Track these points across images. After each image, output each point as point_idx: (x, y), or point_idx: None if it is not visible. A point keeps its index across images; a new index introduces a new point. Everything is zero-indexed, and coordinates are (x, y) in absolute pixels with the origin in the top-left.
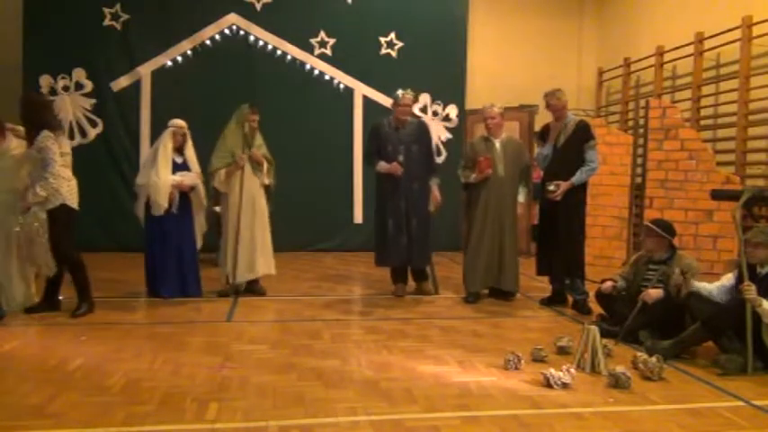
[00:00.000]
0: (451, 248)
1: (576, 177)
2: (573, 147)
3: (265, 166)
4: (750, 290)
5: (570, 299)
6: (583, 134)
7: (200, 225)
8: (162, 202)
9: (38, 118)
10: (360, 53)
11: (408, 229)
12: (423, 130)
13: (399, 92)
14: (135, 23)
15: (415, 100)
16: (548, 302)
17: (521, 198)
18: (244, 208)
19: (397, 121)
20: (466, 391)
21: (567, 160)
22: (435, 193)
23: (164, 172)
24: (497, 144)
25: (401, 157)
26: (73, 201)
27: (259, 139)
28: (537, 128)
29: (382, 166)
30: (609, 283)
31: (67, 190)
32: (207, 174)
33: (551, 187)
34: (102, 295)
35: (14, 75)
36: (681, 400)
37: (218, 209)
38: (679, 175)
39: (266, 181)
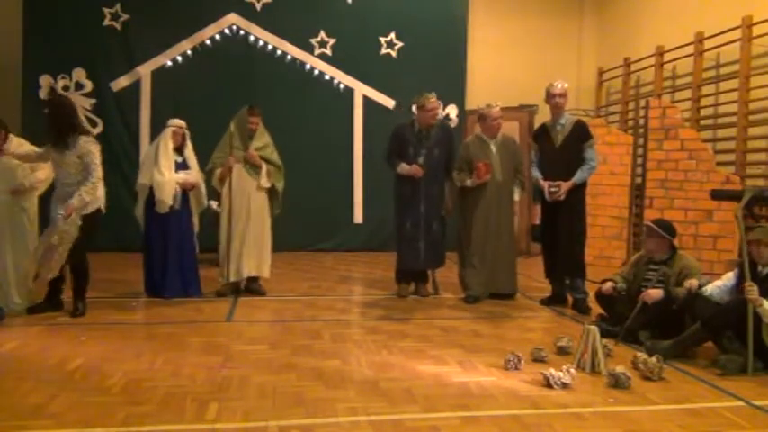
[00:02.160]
0: (451, 249)
1: (577, 176)
2: (572, 146)
3: (264, 168)
4: (752, 290)
5: (570, 299)
6: (581, 133)
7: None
8: (167, 200)
9: (68, 121)
10: (360, 53)
11: (427, 233)
12: (447, 134)
13: (424, 95)
14: (135, 23)
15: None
16: (548, 302)
17: (516, 197)
18: (236, 208)
19: (423, 125)
20: (466, 391)
21: (566, 160)
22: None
23: (167, 170)
24: (493, 146)
25: (421, 159)
26: (104, 204)
27: (263, 141)
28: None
29: (403, 167)
30: (609, 284)
31: (102, 194)
32: (206, 172)
33: (553, 189)
34: (103, 295)
35: (14, 75)
36: (681, 400)
37: (218, 208)
38: (679, 175)
39: (265, 183)
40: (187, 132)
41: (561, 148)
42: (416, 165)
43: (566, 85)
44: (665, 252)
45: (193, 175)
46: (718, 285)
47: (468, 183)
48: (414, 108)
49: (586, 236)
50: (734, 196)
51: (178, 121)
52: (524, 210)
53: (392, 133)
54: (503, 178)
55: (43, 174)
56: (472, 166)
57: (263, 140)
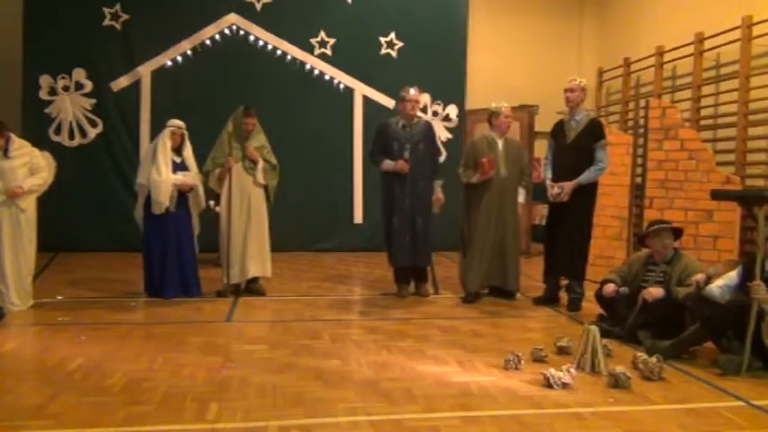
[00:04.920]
0: (451, 248)
1: (584, 176)
2: (583, 144)
3: (260, 164)
4: (759, 289)
5: (564, 298)
6: (594, 132)
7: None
8: (164, 201)
9: None
10: (360, 53)
11: (413, 228)
12: (429, 130)
13: (405, 87)
14: (135, 23)
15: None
16: (540, 302)
17: (520, 199)
18: (236, 208)
19: (405, 118)
20: (466, 391)
21: (575, 158)
22: (439, 194)
23: (165, 170)
24: (500, 144)
25: (406, 154)
26: None
27: (259, 141)
28: (537, 128)
29: (388, 164)
30: (612, 287)
31: None
32: (203, 173)
33: (555, 190)
34: (103, 295)
35: (14, 75)
36: (681, 400)
37: (218, 209)
38: (679, 175)
39: (261, 180)
40: (186, 133)
41: (572, 146)
42: (402, 160)
43: (578, 81)
44: (669, 252)
45: (191, 176)
46: (720, 285)
47: (474, 179)
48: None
49: (590, 238)
50: (734, 196)
51: (177, 122)
52: (524, 210)
53: (375, 131)
54: (507, 174)
55: (41, 177)
56: (478, 163)
57: (259, 141)
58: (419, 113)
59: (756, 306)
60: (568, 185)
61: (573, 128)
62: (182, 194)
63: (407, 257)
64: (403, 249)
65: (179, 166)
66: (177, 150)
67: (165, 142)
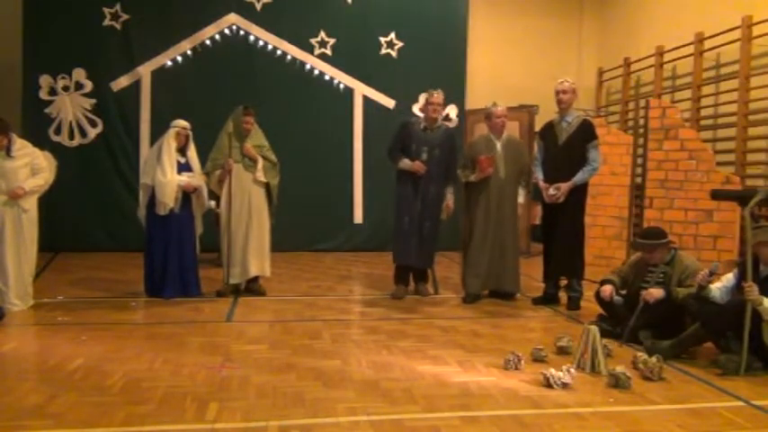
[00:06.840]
0: (451, 248)
1: (578, 177)
2: (575, 145)
3: (260, 163)
4: (752, 290)
5: (564, 298)
6: (586, 133)
7: (197, 227)
8: (168, 202)
9: None
10: (360, 53)
11: (420, 232)
12: (449, 137)
13: (431, 90)
14: (135, 23)
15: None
16: (540, 302)
17: (520, 199)
18: (236, 207)
19: (427, 121)
20: (466, 391)
21: (568, 159)
22: (449, 201)
23: (170, 171)
24: (498, 144)
25: (424, 156)
26: None
27: (258, 140)
28: (537, 128)
29: (405, 163)
30: (609, 289)
31: None
32: (204, 173)
33: (551, 191)
34: (103, 295)
35: (14, 75)
36: (681, 400)
37: (219, 210)
38: (679, 175)
39: (260, 177)
40: (190, 134)
41: (564, 147)
42: (419, 161)
43: (570, 83)
44: (666, 255)
45: (196, 177)
46: (719, 287)
47: (473, 178)
48: (417, 108)
49: (584, 236)
50: (734, 196)
51: (182, 122)
52: (524, 210)
53: (398, 129)
54: (506, 175)
55: (43, 178)
56: (476, 161)
57: (258, 140)
58: (418, 113)
59: (751, 307)
60: (565, 186)
61: (564, 129)
62: (185, 195)
63: (411, 258)
64: (408, 249)
65: (183, 167)
66: (181, 151)
67: (170, 143)
